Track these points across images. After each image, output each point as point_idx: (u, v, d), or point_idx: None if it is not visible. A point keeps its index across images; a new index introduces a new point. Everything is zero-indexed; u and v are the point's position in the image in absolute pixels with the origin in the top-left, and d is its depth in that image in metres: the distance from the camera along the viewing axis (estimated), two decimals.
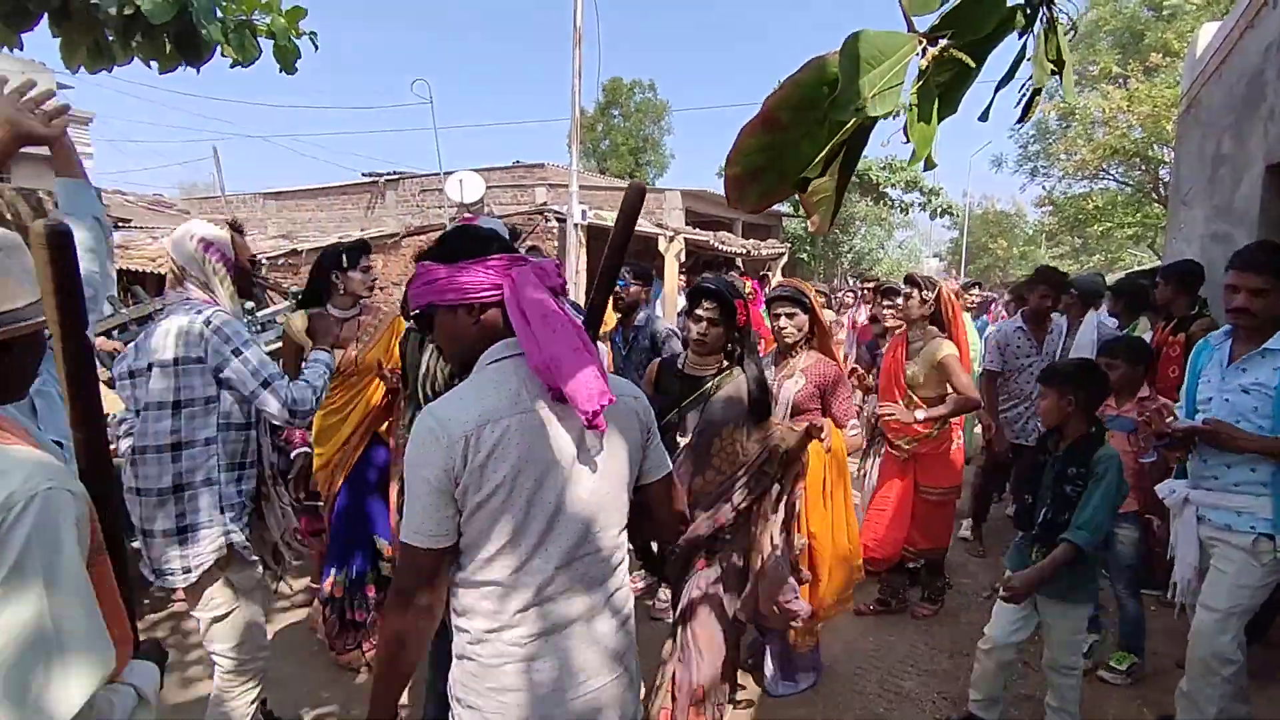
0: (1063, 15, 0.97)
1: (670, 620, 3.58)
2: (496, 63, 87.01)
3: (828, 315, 7.96)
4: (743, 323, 2.43)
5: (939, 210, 22.24)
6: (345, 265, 3.13)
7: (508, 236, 2.08)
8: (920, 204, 22.16)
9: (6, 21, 2.86)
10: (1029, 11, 0.95)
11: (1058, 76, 1.01)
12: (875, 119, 0.75)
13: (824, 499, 2.93)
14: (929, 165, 0.80)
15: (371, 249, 3.30)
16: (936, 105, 0.76)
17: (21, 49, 3.01)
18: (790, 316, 2.97)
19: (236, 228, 2.35)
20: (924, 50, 0.74)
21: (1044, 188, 23.01)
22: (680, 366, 2.57)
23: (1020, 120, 1.07)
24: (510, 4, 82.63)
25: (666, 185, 18.53)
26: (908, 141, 0.76)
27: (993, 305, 9.28)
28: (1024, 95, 1.04)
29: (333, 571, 3.16)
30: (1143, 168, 18.25)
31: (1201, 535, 2.50)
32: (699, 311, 2.43)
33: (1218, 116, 5.12)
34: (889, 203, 22.22)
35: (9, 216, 6.22)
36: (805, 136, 0.76)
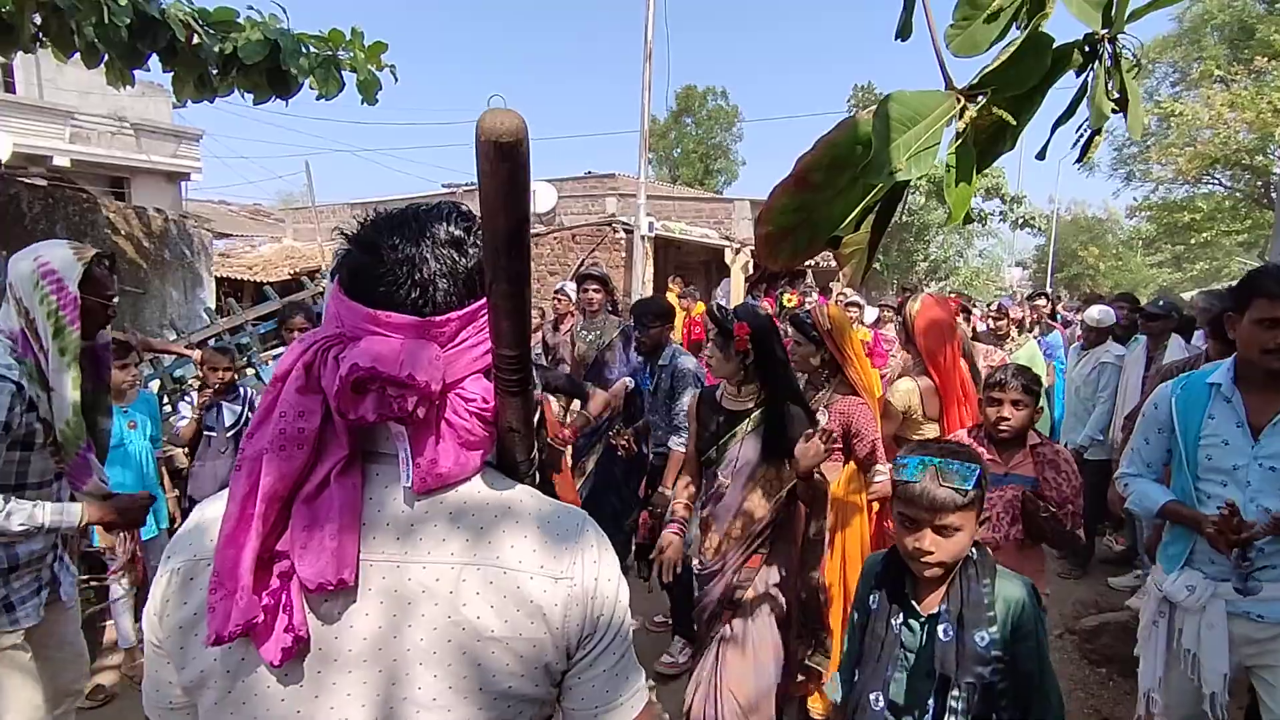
0: (1127, 51, 0.94)
1: (676, 669, 3.52)
2: (572, 68, 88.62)
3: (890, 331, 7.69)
4: (742, 348, 2.28)
5: (1020, 221, 21.27)
6: None
7: None
8: (1000, 213, 21.25)
9: (122, 60, 3.16)
10: (1087, 49, 0.92)
11: (1121, 113, 0.97)
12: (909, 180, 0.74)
13: (829, 548, 2.67)
14: (968, 220, 0.79)
15: None
16: (975, 163, 0.75)
17: (133, 85, 3.31)
18: (798, 344, 2.74)
19: (104, 262, 2.02)
20: (962, 110, 0.73)
21: (1135, 198, 21.72)
22: (718, 399, 2.45)
23: (1078, 161, 1.04)
24: (587, 13, 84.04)
25: (735, 194, 18.46)
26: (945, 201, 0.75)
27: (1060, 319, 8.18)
28: (1082, 134, 1.00)
29: None
30: (1250, 173, 17.00)
31: (1240, 633, 2.01)
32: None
33: None
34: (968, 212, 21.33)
35: (122, 231, 6.79)
36: (838, 196, 0.76)
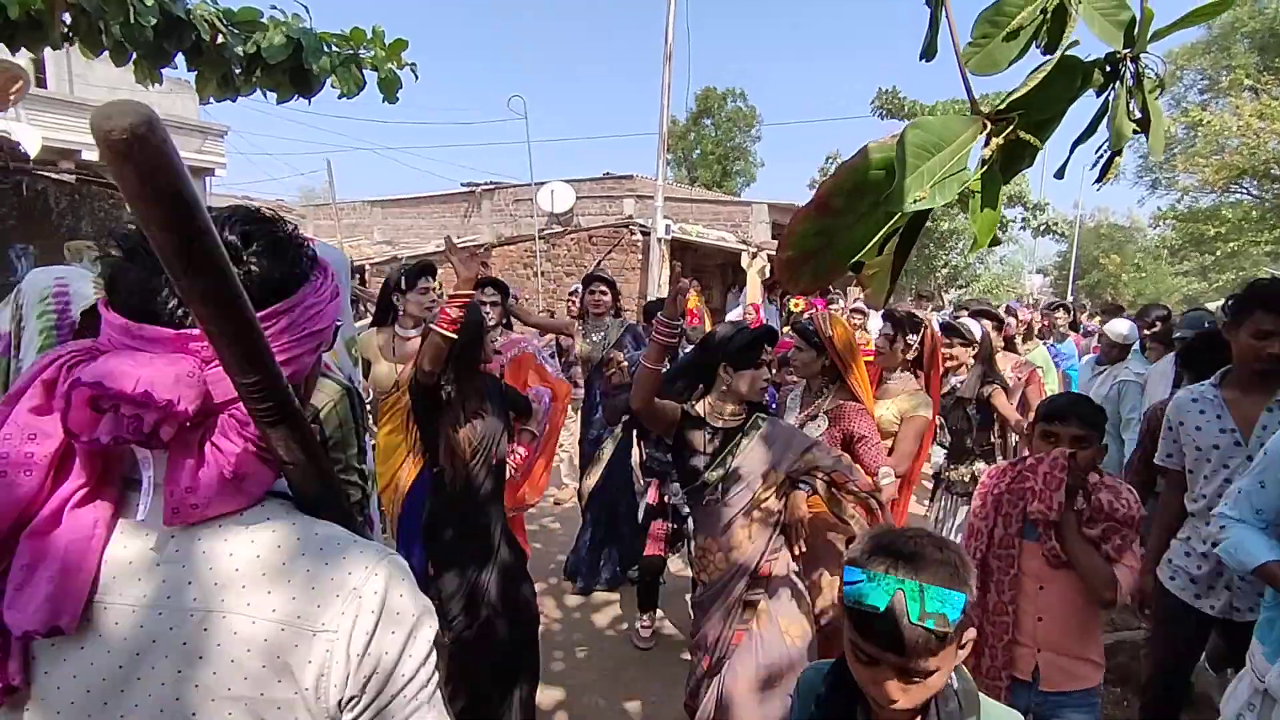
0: (1150, 70, 0.92)
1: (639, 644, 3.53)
2: (592, 68, 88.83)
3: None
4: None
5: (1043, 228, 21.03)
6: (404, 287, 3.12)
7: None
8: (1022, 220, 21.02)
9: (149, 60, 3.20)
10: (1108, 69, 0.91)
11: (1143, 134, 0.95)
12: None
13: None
14: (994, 244, 0.78)
15: (436, 270, 3.26)
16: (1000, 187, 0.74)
17: (160, 84, 3.36)
18: (799, 350, 2.76)
19: None
20: (988, 138, 0.72)
21: (1159, 207, 21.37)
22: (704, 417, 2.35)
23: (1098, 181, 1.02)
24: (608, 13, 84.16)
25: (753, 197, 18.37)
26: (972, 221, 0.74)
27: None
28: (1101, 155, 0.98)
29: None
30: (1279, 184, 16.69)
31: None
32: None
33: None
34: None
35: None
36: (860, 221, 0.75)
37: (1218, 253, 19.41)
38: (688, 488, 2.35)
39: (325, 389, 1.57)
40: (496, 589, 2.47)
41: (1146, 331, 4.67)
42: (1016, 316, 5.45)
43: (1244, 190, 17.97)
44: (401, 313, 3.16)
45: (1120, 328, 4.37)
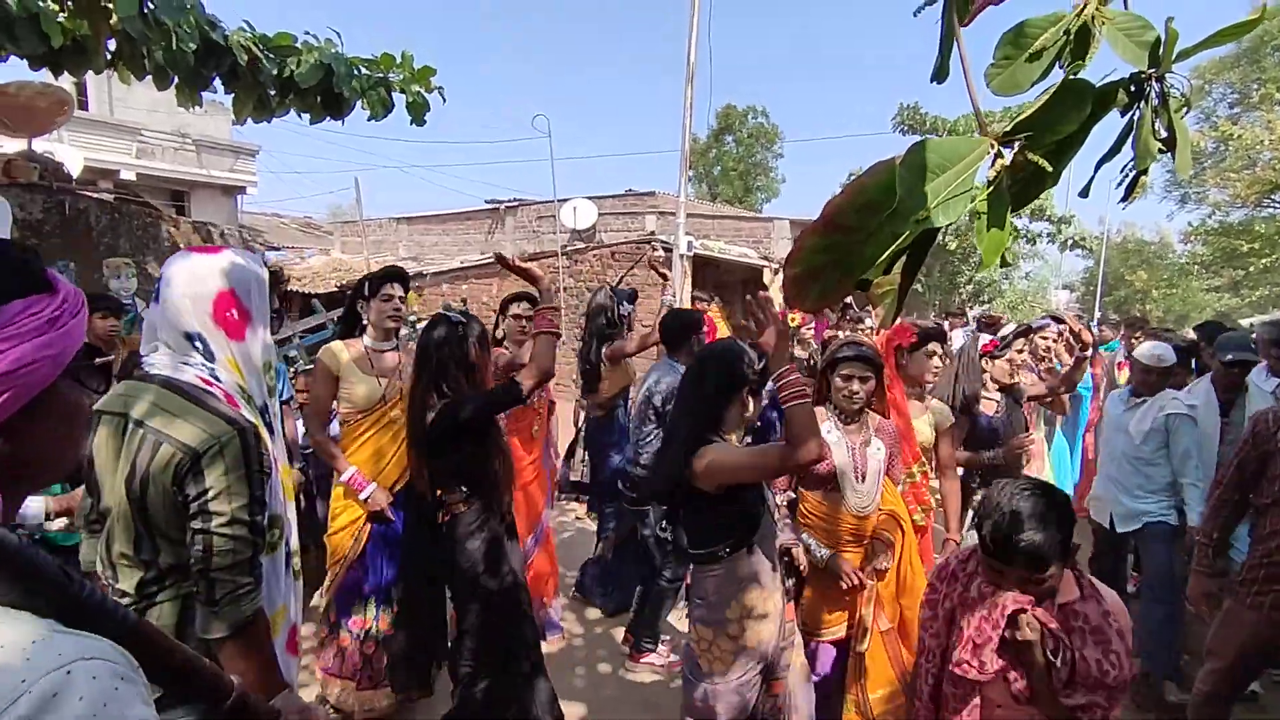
0: (1175, 89, 0.92)
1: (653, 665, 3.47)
2: (614, 86, 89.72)
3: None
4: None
5: (1069, 242, 20.73)
6: (367, 294, 2.87)
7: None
8: (1049, 235, 20.75)
9: (188, 84, 3.33)
10: (1133, 89, 0.91)
11: (1169, 153, 0.95)
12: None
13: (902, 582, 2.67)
14: (1003, 264, 0.79)
15: (406, 277, 3.00)
16: (1010, 208, 0.74)
17: (200, 106, 3.48)
18: (863, 380, 2.63)
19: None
20: (995, 158, 0.73)
21: (1190, 223, 20.98)
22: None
23: (1123, 200, 1.02)
24: (629, 32, 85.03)
25: (775, 213, 18.39)
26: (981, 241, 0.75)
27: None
28: (1127, 174, 0.98)
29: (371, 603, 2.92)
30: None
31: None
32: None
33: None
34: (1014, 232, 20.84)
35: (183, 246, 7.07)
36: (869, 238, 0.76)
37: (1250, 268, 18.98)
38: (733, 540, 2.03)
39: (211, 429, 1.32)
40: (519, 570, 2.59)
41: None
42: (1075, 331, 4.93)
43: (1277, 205, 17.59)
44: (366, 322, 2.90)
45: (1154, 350, 3.73)
